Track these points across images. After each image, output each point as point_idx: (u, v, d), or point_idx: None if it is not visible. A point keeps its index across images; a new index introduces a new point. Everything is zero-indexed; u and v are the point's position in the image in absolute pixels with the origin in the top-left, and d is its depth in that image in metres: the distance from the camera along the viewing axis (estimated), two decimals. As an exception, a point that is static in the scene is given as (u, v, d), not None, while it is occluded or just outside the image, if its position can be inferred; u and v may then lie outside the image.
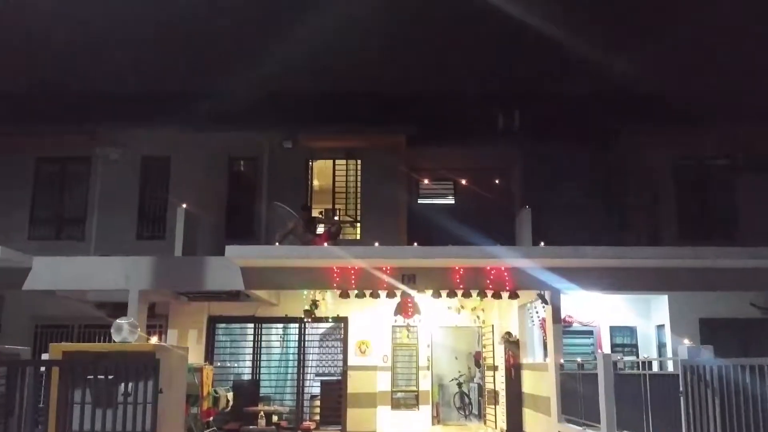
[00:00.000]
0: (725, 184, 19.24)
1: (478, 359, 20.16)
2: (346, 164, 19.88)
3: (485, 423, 18.97)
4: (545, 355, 15.45)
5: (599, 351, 14.76)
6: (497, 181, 20.28)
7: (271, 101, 19.73)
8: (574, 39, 18.28)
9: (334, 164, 19.90)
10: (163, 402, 9.05)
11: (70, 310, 16.70)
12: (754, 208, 18.67)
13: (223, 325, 18.42)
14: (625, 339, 17.56)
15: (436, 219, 18.88)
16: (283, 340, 18.42)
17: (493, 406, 18.28)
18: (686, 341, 10.61)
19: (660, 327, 16.95)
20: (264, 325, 18.45)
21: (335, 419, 17.68)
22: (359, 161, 19.83)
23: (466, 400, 20.94)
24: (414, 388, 18.71)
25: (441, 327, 19.59)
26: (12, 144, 19.15)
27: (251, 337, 18.39)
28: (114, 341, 9.78)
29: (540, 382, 15.40)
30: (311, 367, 18.26)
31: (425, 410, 18.63)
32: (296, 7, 19.25)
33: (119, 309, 14.38)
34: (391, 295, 15.01)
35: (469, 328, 19.58)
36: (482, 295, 15.20)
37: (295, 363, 18.24)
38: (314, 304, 16.83)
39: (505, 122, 21.02)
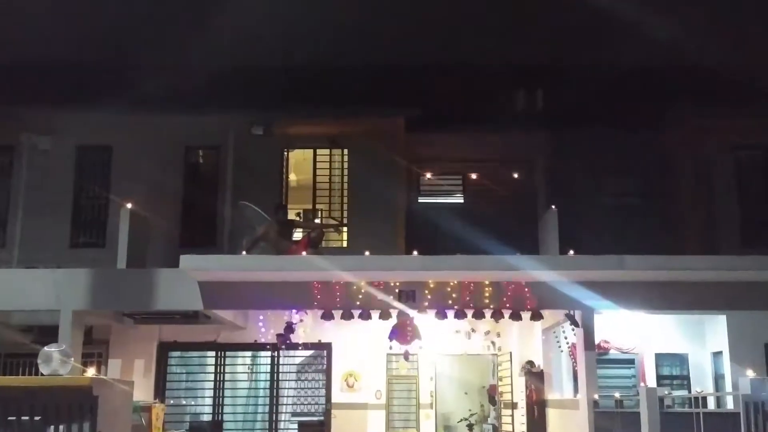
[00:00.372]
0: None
1: (493, 395, 20.15)
2: (330, 155, 19.90)
3: (502, 474, 19.00)
4: (575, 389, 15.43)
5: (642, 384, 14.79)
6: (516, 176, 20.29)
7: (237, 77, 19.74)
8: (612, -1, 18.38)
9: (314, 155, 19.93)
10: (102, 449, 9.01)
11: (-12, 335, 16.67)
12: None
13: (177, 354, 18.37)
14: (673, 369, 17.57)
15: (441, 222, 18.91)
16: (252, 372, 18.40)
17: (512, 453, 18.31)
18: (749, 372, 10.63)
19: (717, 354, 16.96)
20: (228, 354, 18.41)
21: (316, 470, 17.70)
22: (346, 151, 19.86)
23: (479, 445, 20.97)
24: (414, 431, 18.71)
25: (447, 355, 19.57)
26: None
27: (212, 368, 18.35)
28: (42, 374, 9.73)
29: (569, 423, 15.38)
30: (287, 405, 18.23)
31: (428, 458, 18.63)
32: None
33: (48, 334, 14.34)
34: (385, 316, 14.98)
35: (482, 356, 19.56)
36: (498, 315, 15.17)
37: (267, 400, 18.20)
38: (290, 327, 16.80)
39: (526, 102, 21.06)
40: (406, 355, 16.66)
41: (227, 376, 18.40)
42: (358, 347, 18.10)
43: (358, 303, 14.75)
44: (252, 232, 16.70)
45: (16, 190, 19.09)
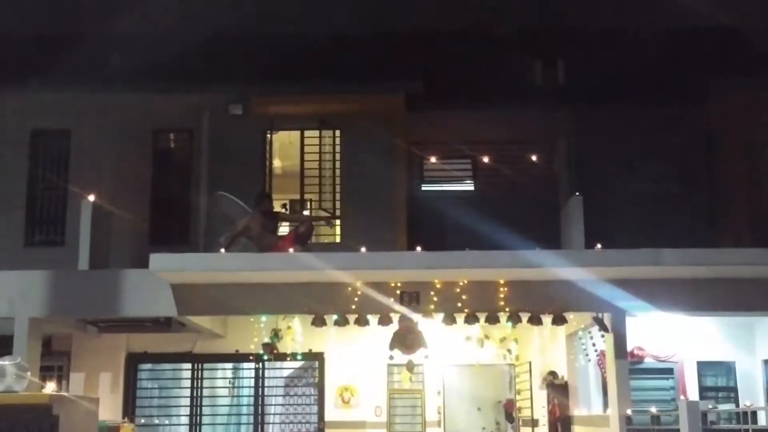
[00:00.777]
0: None
1: (510, 410, 20.20)
2: (320, 137, 19.91)
3: (521, 501, 19.08)
4: (605, 403, 15.50)
5: (682, 397, 14.85)
6: (534, 159, 20.34)
7: (212, 49, 19.75)
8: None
9: (302, 137, 19.95)
10: (64, 476, 9.06)
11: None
12: None
13: (148, 366, 18.48)
14: (719, 380, 17.65)
15: (448, 213, 18.96)
16: (234, 387, 18.49)
17: (533, 478, 18.39)
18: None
19: (768, 362, 17.08)
20: (206, 366, 18.51)
21: (308, 498, 17.83)
22: (338, 133, 19.89)
23: (495, 469, 21.07)
24: (420, 453, 18.80)
25: (457, 366, 19.61)
26: None
27: (188, 383, 18.44)
28: (-6, 391, 9.78)
29: (598, 442, 15.46)
30: (273, 423, 18.33)
31: (436, 485, 18.75)
32: None
33: (1, 345, 14.38)
34: (385, 321, 15.05)
35: (497, 366, 19.62)
36: (515, 320, 15.23)
37: (251, 418, 18.30)
38: (276, 334, 16.85)
39: (545, 75, 21.06)
40: (409, 366, 16.72)
41: (205, 392, 18.50)
42: (355, 357, 18.17)
43: (353, 307, 14.81)
44: (231, 227, 16.69)
45: (-39, 182, 19.17)
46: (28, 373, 9.99)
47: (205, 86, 19.34)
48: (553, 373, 17.61)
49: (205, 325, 16.77)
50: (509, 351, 18.59)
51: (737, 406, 16.56)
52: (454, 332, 16.45)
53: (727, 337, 17.46)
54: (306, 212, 19.17)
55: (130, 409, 17.90)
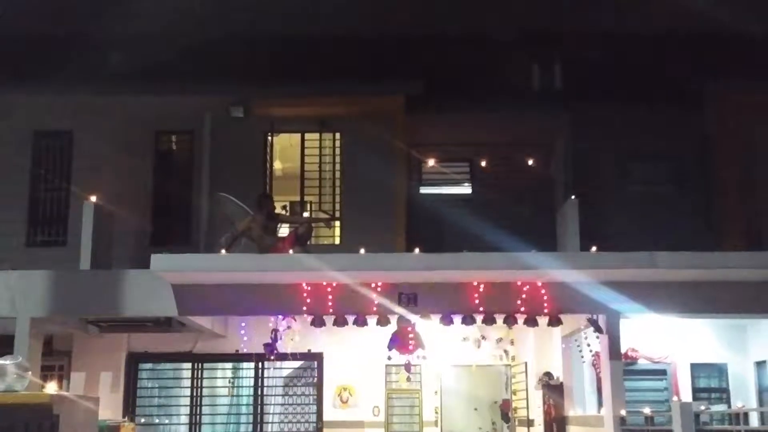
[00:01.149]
0: None
1: (506, 411, 20.24)
2: (320, 139, 19.97)
3: (517, 500, 19.12)
4: (600, 404, 15.55)
5: (675, 398, 14.88)
6: (531, 161, 20.35)
7: (214, 52, 19.78)
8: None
9: (302, 139, 19.99)
10: (64, 474, 9.12)
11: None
12: None
13: (148, 366, 18.50)
14: (711, 381, 17.70)
15: (446, 215, 18.97)
16: (233, 386, 18.51)
17: (529, 477, 18.43)
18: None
19: (761, 364, 17.10)
20: (206, 365, 18.54)
21: (307, 497, 17.87)
22: (338, 135, 19.93)
23: (491, 468, 21.10)
24: (417, 452, 18.85)
25: (454, 366, 19.68)
26: None
27: (188, 382, 18.48)
28: (-5, 390, 9.84)
29: (593, 443, 15.51)
30: (272, 423, 18.35)
31: (433, 483, 18.80)
32: None
33: (2, 344, 14.40)
34: (383, 322, 15.05)
35: (493, 367, 19.68)
36: (511, 321, 15.27)
37: (250, 418, 18.32)
38: (276, 335, 16.86)
39: (542, 76, 21.09)
40: (407, 367, 16.68)
41: (205, 391, 18.51)
42: (353, 358, 18.19)
43: (352, 308, 14.82)
44: (232, 228, 16.72)
45: (-36, 182, 19.19)
46: (29, 373, 10.01)
47: (206, 88, 19.36)
48: (548, 374, 17.63)
49: (205, 325, 16.79)
50: (506, 352, 18.71)
51: (729, 407, 16.61)
52: (451, 333, 16.46)
53: (719, 339, 17.49)
54: (306, 214, 19.17)
55: (130, 408, 17.91)
